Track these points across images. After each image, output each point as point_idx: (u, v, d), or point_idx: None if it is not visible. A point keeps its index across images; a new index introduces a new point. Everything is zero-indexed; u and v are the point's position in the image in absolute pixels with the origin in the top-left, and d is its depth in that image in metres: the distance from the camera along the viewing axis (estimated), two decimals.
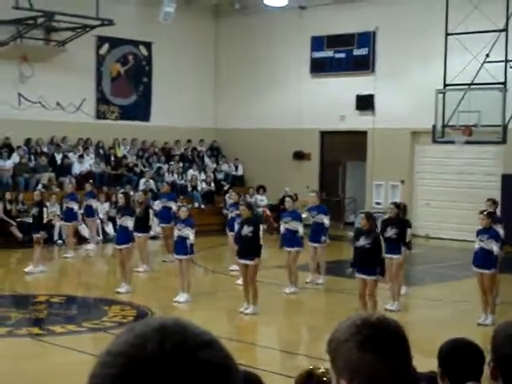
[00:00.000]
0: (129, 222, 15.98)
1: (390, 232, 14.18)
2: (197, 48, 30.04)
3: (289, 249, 15.90)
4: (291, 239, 15.88)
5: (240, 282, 14.84)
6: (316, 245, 16.81)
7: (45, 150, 26.14)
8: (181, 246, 14.63)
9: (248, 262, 13.67)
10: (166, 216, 20.20)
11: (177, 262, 14.94)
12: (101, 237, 23.61)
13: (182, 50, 29.37)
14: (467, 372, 3.96)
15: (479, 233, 13.18)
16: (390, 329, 2.03)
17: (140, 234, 17.55)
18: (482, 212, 13.50)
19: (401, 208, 15.00)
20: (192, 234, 14.50)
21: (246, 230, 13.67)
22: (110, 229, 23.96)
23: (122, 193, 17.18)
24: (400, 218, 14.62)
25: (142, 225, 17.50)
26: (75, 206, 21.08)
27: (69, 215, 21.09)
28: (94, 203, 22.13)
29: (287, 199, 17.05)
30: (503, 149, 23.74)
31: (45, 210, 18.11)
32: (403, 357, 2.02)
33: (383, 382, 1.98)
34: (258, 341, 12.88)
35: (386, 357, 1.97)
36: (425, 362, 4.70)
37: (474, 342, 4.23)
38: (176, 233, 14.79)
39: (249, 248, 13.65)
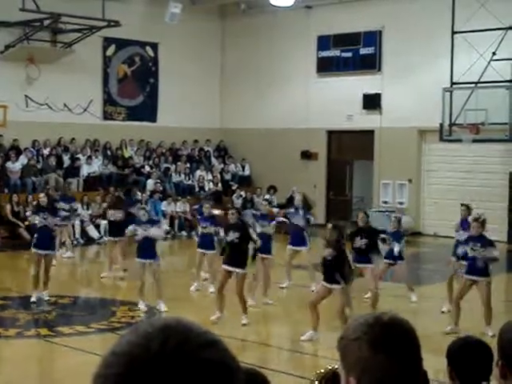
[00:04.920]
0: (50, 221, 15.08)
1: (359, 242, 13.77)
2: (203, 48, 30.06)
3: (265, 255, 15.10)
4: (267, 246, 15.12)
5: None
6: (299, 248, 16.39)
7: (52, 151, 26.19)
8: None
9: (236, 269, 13.06)
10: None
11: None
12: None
13: (188, 50, 29.38)
14: (476, 370, 3.95)
15: (469, 240, 12.73)
16: (402, 329, 2.03)
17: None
18: (476, 219, 13.23)
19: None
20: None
21: (232, 236, 13.16)
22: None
23: (45, 193, 16.81)
24: (370, 228, 14.23)
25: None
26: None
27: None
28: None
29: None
30: (511, 147, 23.69)
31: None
32: (414, 357, 2.02)
33: (392, 382, 1.98)
34: (269, 340, 12.87)
35: (396, 357, 1.97)
36: (432, 360, 4.69)
37: (483, 341, 4.22)
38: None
39: (235, 255, 13.11)
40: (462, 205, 15.36)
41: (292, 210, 16.92)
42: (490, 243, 12.63)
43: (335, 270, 11.88)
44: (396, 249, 14.69)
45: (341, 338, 2.07)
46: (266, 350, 12.22)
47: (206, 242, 15.69)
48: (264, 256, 15.03)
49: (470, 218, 13.90)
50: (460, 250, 13.22)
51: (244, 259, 13.13)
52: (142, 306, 14.27)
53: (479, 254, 12.43)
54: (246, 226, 13.71)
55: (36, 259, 15.04)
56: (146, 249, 14.25)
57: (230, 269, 13.07)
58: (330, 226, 12.39)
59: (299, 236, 16.19)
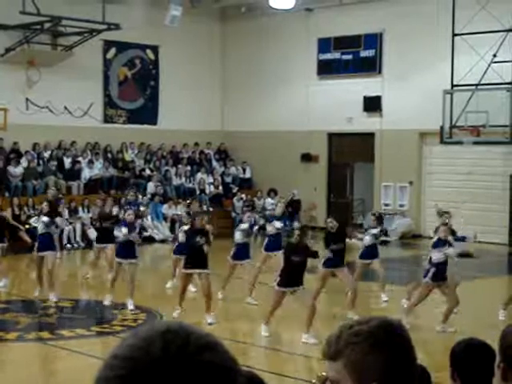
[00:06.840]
0: (52, 230, 15.53)
1: (334, 246, 13.94)
2: (203, 51, 30.07)
3: (242, 261, 15.46)
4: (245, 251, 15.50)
5: None
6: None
7: (53, 154, 26.16)
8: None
9: (201, 270, 13.33)
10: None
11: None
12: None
13: (188, 53, 29.40)
14: (479, 373, 3.94)
15: (438, 245, 13.11)
16: (398, 330, 2.02)
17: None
18: (445, 224, 13.65)
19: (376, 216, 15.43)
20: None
21: (200, 240, 13.34)
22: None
23: (47, 201, 16.94)
24: (343, 232, 14.47)
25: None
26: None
27: None
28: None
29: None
30: (511, 149, 23.69)
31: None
32: (410, 358, 2.02)
33: (394, 383, 1.97)
34: (264, 343, 12.86)
35: (394, 358, 1.97)
36: (426, 361, 4.68)
37: (486, 343, 4.21)
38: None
39: (200, 257, 13.30)
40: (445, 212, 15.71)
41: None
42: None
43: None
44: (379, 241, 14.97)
45: (337, 341, 2.06)
46: (264, 353, 12.20)
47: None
48: (238, 262, 15.41)
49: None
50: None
51: (207, 261, 13.39)
52: (107, 301, 14.80)
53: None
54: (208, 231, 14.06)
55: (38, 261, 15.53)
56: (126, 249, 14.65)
57: (195, 271, 13.40)
58: (297, 231, 12.56)
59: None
